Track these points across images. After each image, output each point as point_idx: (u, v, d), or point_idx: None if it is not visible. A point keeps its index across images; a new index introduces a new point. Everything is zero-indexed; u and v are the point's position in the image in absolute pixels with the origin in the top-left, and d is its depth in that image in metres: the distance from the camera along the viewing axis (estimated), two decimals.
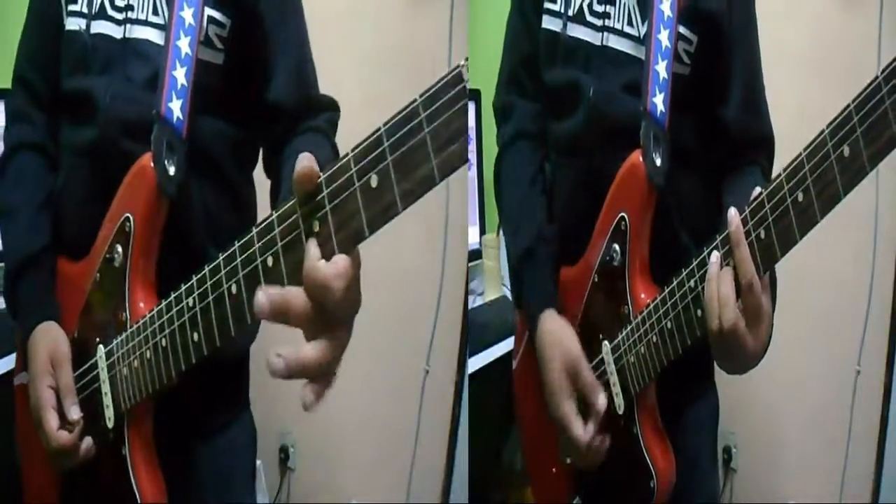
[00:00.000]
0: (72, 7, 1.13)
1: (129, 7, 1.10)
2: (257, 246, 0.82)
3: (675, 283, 1.10)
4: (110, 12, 1.11)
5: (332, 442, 2.18)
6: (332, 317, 0.78)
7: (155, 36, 1.10)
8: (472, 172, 2.16)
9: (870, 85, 0.86)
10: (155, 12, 1.10)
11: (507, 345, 1.91)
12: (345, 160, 0.76)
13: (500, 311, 2.09)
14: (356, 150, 0.76)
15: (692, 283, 1.07)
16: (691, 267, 1.07)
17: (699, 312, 1.06)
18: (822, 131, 0.90)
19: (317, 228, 0.78)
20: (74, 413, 1.05)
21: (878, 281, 2.12)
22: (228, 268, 0.85)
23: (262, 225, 0.82)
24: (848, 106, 0.88)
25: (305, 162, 0.78)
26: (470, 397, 2.01)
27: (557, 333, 1.23)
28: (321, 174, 0.78)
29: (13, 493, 1.77)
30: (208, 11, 1.09)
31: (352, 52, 1.99)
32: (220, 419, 1.18)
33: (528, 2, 1.32)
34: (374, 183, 0.74)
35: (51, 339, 1.09)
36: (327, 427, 2.17)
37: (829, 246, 1.98)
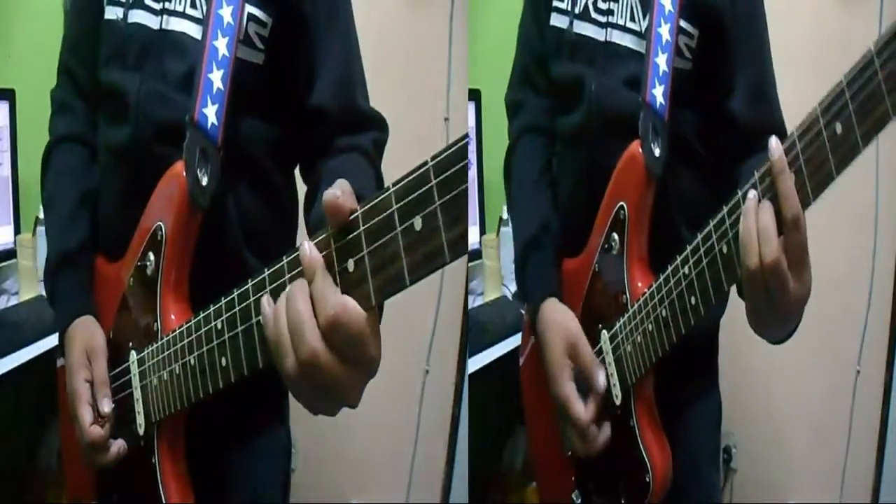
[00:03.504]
0: None
1: None
2: (287, 277, 0.78)
3: (669, 270, 1.09)
4: (147, 1, 1.09)
5: (332, 442, 2.18)
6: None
7: (193, 30, 1.07)
8: (473, 172, 2.16)
9: (862, 60, 0.83)
10: (193, 5, 1.07)
11: (506, 345, 1.91)
12: (385, 196, 0.69)
13: (500, 311, 2.09)
14: (398, 186, 0.69)
15: (686, 269, 1.06)
16: (685, 253, 1.06)
17: (693, 300, 1.06)
18: (814, 109, 0.88)
19: (351, 269, 0.72)
20: (106, 406, 1.05)
21: (878, 281, 2.12)
22: (258, 296, 0.81)
23: (293, 255, 0.78)
24: (840, 82, 0.85)
25: (338, 192, 0.73)
26: (470, 397, 2.01)
27: (558, 317, 1.24)
28: (358, 209, 0.72)
29: (13, 493, 1.77)
30: (249, 9, 1.06)
31: None
32: (256, 426, 1.17)
33: (539, 3, 1.33)
34: (417, 226, 0.67)
35: (87, 332, 1.09)
36: (327, 427, 2.16)
37: (829, 246, 1.98)
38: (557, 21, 1.28)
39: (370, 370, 0.75)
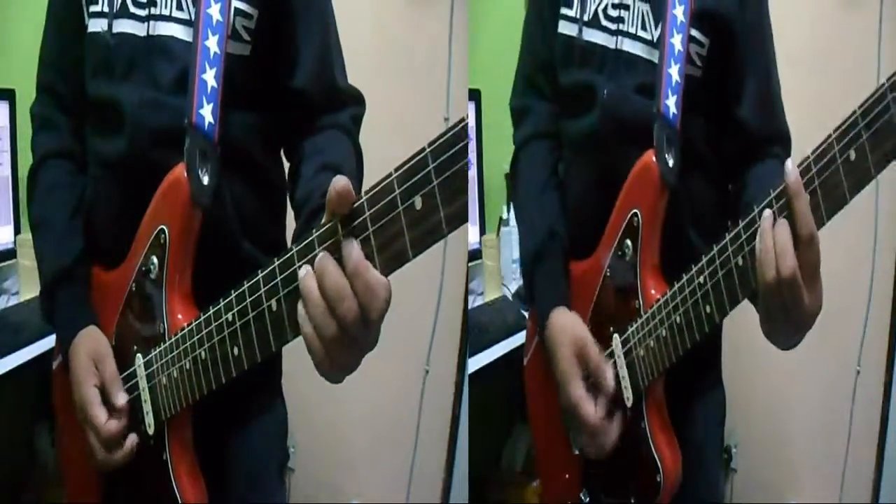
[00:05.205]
0: (93, 8, 1.11)
1: (153, 3, 1.08)
2: (297, 265, 0.83)
3: (685, 278, 1.11)
4: (133, 9, 1.09)
5: (332, 442, 2.18)
6: (357, 331, 0.79)
7: (180, 32, 1.07)
8: (472, 172, 2.16)
9: (876, 91, 0.88)
10: (179, 7, 1.07)
11: (507, 345, 1.91)
12: (388, 181, 0.76)
13: (500, 311, 2.09)
14: (400, 171, 0.75)
15: (702, 279, 1.08)
16: (701, 264, 1.08)
17: (708, 308, 1.07)
18: (829, 136, 0.92)
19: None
20: (122, 398, 1.05)
21: (878, 281, 2.12)
22: (268, 286, 0.86)
23: (303, 244, 0.82)
24: (854, 112, 0.89)
25: (341, 186, 0.78)
26: (470, 397, 2.01)
27: (567, 324, 1.25)
28: (362, 195, 0.78)
29: (13, 493, 1.77)
30: (235, 4, 1.07)
31: (351, 52, 1.99)
32: (254, 407, 1.18)
33: (546, 6, 1.33)
34: (418, 205, 0.74)
35: (91, 339, 1.09)
36: (327, 427, 2.16)
37: (829, 246, 1.98)
38: (566, 29, 1.28)
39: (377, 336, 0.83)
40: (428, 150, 0.74)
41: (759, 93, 1.20)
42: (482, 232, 2.22)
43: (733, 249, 1.03)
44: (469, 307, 2.09)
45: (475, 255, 2.17)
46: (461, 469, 2.13)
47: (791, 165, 0.95)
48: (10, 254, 1.92)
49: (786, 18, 1.95)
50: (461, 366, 2.11)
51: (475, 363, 1.90)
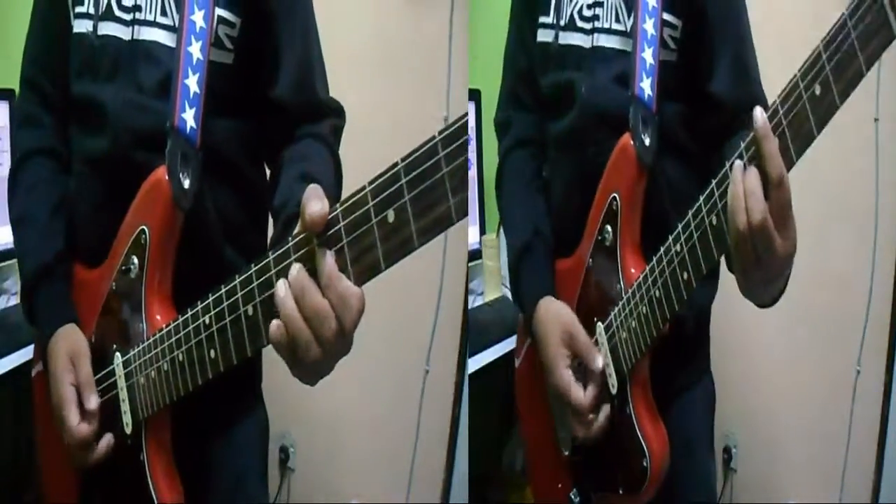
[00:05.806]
0: (79, 9, 1.12)
1: (137, 8, 1.09)
2: (273, 272, 0.84)
3: (661, 250, 1.11)
4: (118, 13, 1.10)
5: (332, 442, 2.18)
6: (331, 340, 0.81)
7: (163, 37, 1.08)
8: (472, 172, 2.16)
9: (836, 24, 0.88)
10: (163, 13, 1.09)
11: (507, 345, 1.91)
12: (362, 194, 0.78)
13: (500, 311, 2.09)
14: (374, 185, 0.77)
15: (678, 246, 1.08)
16: (676, 231, 1.08)
17: (685, 275, 1.07)
18: (795, 75, 0.92)
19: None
20: (93, 402, 1.06)
21: (878, 281, 2.12)
22: (245, 291, 0.87)
23: (279, 251, 0.84)
24: (817, 47, 0.90)
25: (316, 207, 0.79)
26: (470, 397, 2.01)
27: (553, 310, 1.26)
28: (337, 207, 0.79)
29: (13, 493, 1.76)
30: (218, 11, 1.08)
31: (351, 53, 1.99)
32: (235, 412, 1.18)
33: (524, 22, 1.36)
34: (391, 219, 0.76)
35: (70, 338, 1.10)
36: (327, 427, 2.16)
37: (829, 246, 1.98)
38: (544, 37, 1.30)
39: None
40: (401, 164, 0.75)
41: (731, 64, 1.20)
42: (482, 232, 2.22)
43: (707, 209, 1.03)
44: (469, 307, 2.09)
45: (475, 255, 2.17)
46: (461, 469, 2.13)
47: (759, 111, 0.94)
48: (10, 254, 1.92)
49: (788, 19, 1.96)
50: (461, 366, 2.11)
51: (475, 363, 1.90)
